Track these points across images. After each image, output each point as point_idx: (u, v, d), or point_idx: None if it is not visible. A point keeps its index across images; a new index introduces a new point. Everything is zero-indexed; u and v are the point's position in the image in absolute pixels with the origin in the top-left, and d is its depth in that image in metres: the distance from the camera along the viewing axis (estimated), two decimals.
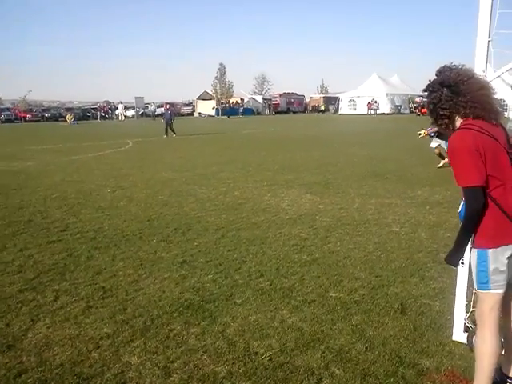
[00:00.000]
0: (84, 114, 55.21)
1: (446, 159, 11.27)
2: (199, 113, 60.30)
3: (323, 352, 3.23)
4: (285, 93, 69.04)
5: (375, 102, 53.63)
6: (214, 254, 5.28)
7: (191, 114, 62.15)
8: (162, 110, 60.84)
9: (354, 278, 4.57)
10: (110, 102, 63.28)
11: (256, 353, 3.25)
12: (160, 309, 3.94)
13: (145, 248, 5.53)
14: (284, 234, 6.04)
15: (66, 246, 5.58)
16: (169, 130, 24.43)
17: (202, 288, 4.36)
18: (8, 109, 53.51)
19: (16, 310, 3.93)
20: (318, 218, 6.87)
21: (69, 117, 44.94)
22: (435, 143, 11.78)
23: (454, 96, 2.38)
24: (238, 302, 4.07)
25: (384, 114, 51.79)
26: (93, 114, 55.65)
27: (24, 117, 49.66)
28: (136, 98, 59.22)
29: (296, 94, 71.05)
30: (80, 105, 77.28)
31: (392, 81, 61.09)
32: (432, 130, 11.38)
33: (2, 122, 47.29)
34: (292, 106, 68.33)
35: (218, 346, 3.34)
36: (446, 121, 2.46)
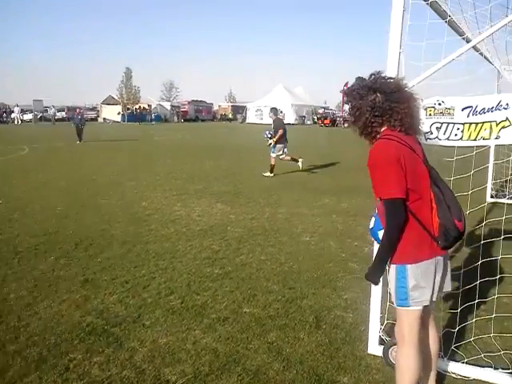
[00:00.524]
0: None
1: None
2: (104, 118, 57.95)
3: (239, 374, 3.06)
4: (193, 100, 68.49)
5: (281, 111, 55.03)
6: (120, 271, 4.92)
7: (95, 119, 59.50)
8: (63, 113, 58.15)
9: (268, 291, 4.47)
10: (5, 105, 58.67)
11: (167, 381, 3.00)
12: (58, 336, 3.54)
13: (41, 266, 5.01)
14: (195, 247, 5.82)
15: None
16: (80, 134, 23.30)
17: (107, 310, 4.01)
18: None
19: None
20: (229, 228, 6.73)
21: None
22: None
23: (391, 103, 2.29)
24: (146, 323, 3.78)
25: (290, 124, 53.41)
26: None
27: None
28: (34, 100, 55.53)
29: (205, 101, 70.83)
30: None
31: (297, 92, 63.15)
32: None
33: None
34: (200, 113, 67.93)
35: (125, 375, 3.05)
36: (377, 129, 2.38)
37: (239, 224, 6.96)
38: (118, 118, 56.31)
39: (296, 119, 55.68)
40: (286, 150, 12.59)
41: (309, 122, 58.13)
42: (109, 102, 60.88)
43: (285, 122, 13.65)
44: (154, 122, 54.29)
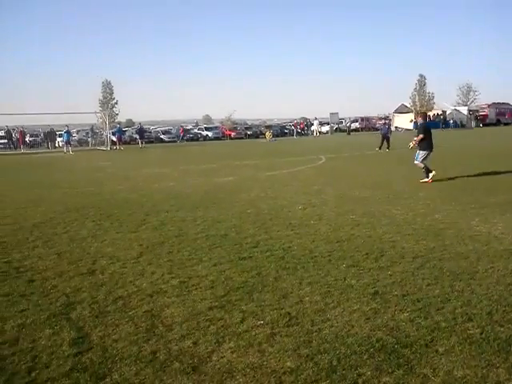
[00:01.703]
0: (282, 131, 58.15)
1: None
2: (395, 126, 58.29)
3: None
4: (494, 103, 62.38)
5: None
6: (411, 287, 4.65)
7: None
8: (357, 124, 61.10)
9: None
10: (306, 119, 65.50)
11: None
12: (348, 347, 3.53)
13: (333, 273, 5.18)
14: (498, 269, 5.07)
15: (256, 264, 5.56)
16: (385, 143, 24.82)
17: (397, 328, 3.81)
18: (216, 127, 59.37)
19: (204, 328, 3.95)
20: None
21: (268, 134, 47.72)
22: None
23: None
24: (440, 350, 3.43)
25: None
26: (290, 130, 58.26)
27: (229, 134, 54.46)
28: (331, 113, 60.15)
29: (508, 103, 63.63)
30: (278, 122, 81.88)
31: None
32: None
33: (210, 139, 52.45)
34: (503, 117, 61.34)
35: None
36: None
37: None
38: (410, 126, 55.76)
39: None
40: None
41: None
42: (401, 110, 61.03)
43: None
44: (450, 128, 51.80)
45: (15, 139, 42.34)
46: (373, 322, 3.93)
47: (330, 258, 5.72)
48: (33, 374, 3.31)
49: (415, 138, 12.27)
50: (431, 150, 12.12)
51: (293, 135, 54.33)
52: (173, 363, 3.39)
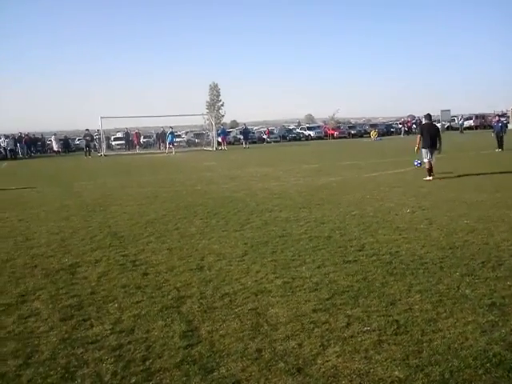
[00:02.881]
0: (388, 130, 56.34)
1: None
2: None
3: None
4: None
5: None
6: None
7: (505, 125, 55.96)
8: (471, 122, 57.28)
9: None
10: (414, 117, 62.76)
11: None
12: (461, 360, 3.31)
13: (445, 281, 4.89)
14: None
15: (361, 268, 5.43)
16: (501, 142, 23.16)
17: None
18: (319, 126, 59.03)
19: (309, 330, 3.93)
20: None
21: (373, 133, 46.50)
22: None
23: None
24: None
25: None
26: (396, 129, 56.25)
27: (332, 134, 53.87)
28: (442, 111, 57.05)
29: None
30: (384, 120, 79.44)
31: None
32: None
33: (312, 139, 52.18)
34: None
35: None
36: None
37: None
38: None
39: None
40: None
41: None
42: None
43: None
44: None
45: (131, 140, 45.47)
46: (489, 335, 3.65)
47: (442, 265, 5.41)
48: (147, 363, 3.53)
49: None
50: (429, 147, 13.02)
51: (399, 134, 52.36)
52: (278, 363, 3.42)
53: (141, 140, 46.93)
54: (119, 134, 47.91)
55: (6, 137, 39.88)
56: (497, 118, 27.26)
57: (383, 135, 50.71)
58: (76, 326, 4.24)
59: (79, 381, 3.32)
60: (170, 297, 4.84)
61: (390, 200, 9.93)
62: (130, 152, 41.36)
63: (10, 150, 38.39)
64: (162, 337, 3.94)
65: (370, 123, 64.52)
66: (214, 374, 3.33)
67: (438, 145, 13.10)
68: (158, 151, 40.41)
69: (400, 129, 53.96)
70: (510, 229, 6.91)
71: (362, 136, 53.33)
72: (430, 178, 12.87)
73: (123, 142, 45.74)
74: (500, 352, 3.39)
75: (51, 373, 3.44)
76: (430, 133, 13.17)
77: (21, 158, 38.20)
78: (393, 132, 55.92)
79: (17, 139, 40.51)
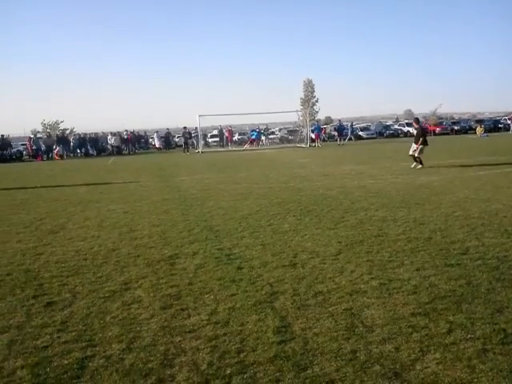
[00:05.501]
0: (495, 126, 52.49)
1: None
2: None
3: None
4: None
5: None
6: None
7: None
8: None
9: None
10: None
11: None
12: None
13: None
14: None
15: (465, 272, 5.09)
16: None
17: None
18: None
19: (407, 334, 3.77)
20: None
21: (479, 129, 43.60)
22: None
23: None
24: None
25: None
26: (505, 125, 52.24)
27: (434, 130, 51.29)
28: None
29: None
30: (491, 116, 74.21)
31: None
32: None
33: (412, 135, 49.98)
34: None
35: None
36: None
37: None
38: None
39: None
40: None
41: None
42: None
43: None
44: None
45: (226, 137, 46.66)
46: None
47: None
48: (241, 355, 3.59)
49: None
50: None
51: (508, 130, 48.55)
52: (373, 365, 3.32)
53: (235, 137, 47.98)
54: (215, 132, 49.43)
55: (113, 134, 42.79)
56: None
57: (490, 131, 47.30)
58: (175, 314, 4.43)
59: (177, 368, 3.46)
60: (263, 292, 4.89)
61: (498, 201, 9.21)
62: (223, 149, 42.46)
63: (116, 147, 41.26)
64: (255, 331, 3.99)
65: (476, 119, 60.44)
66: (308, 371, 3.30)
67: None
68: (252, 148, 41.08)
69: (509, 125, 49.99)
70: None
71: (466, 132, 50.19)
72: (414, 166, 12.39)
73: (217, 139, 47.13)
74: None
75: (151, 358, 3.62)
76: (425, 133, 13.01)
77: (126, 154, 40.82)
78: (500, 128, 51.96)
79: (122, 137, 43.34)
